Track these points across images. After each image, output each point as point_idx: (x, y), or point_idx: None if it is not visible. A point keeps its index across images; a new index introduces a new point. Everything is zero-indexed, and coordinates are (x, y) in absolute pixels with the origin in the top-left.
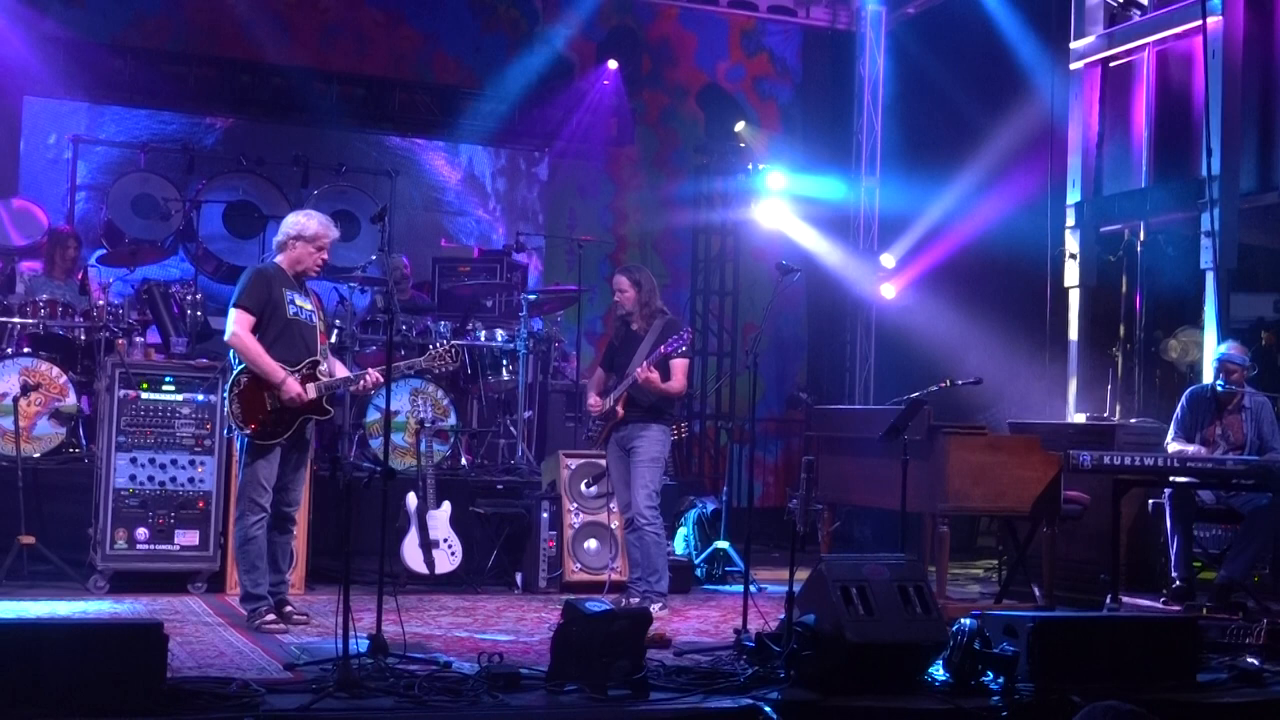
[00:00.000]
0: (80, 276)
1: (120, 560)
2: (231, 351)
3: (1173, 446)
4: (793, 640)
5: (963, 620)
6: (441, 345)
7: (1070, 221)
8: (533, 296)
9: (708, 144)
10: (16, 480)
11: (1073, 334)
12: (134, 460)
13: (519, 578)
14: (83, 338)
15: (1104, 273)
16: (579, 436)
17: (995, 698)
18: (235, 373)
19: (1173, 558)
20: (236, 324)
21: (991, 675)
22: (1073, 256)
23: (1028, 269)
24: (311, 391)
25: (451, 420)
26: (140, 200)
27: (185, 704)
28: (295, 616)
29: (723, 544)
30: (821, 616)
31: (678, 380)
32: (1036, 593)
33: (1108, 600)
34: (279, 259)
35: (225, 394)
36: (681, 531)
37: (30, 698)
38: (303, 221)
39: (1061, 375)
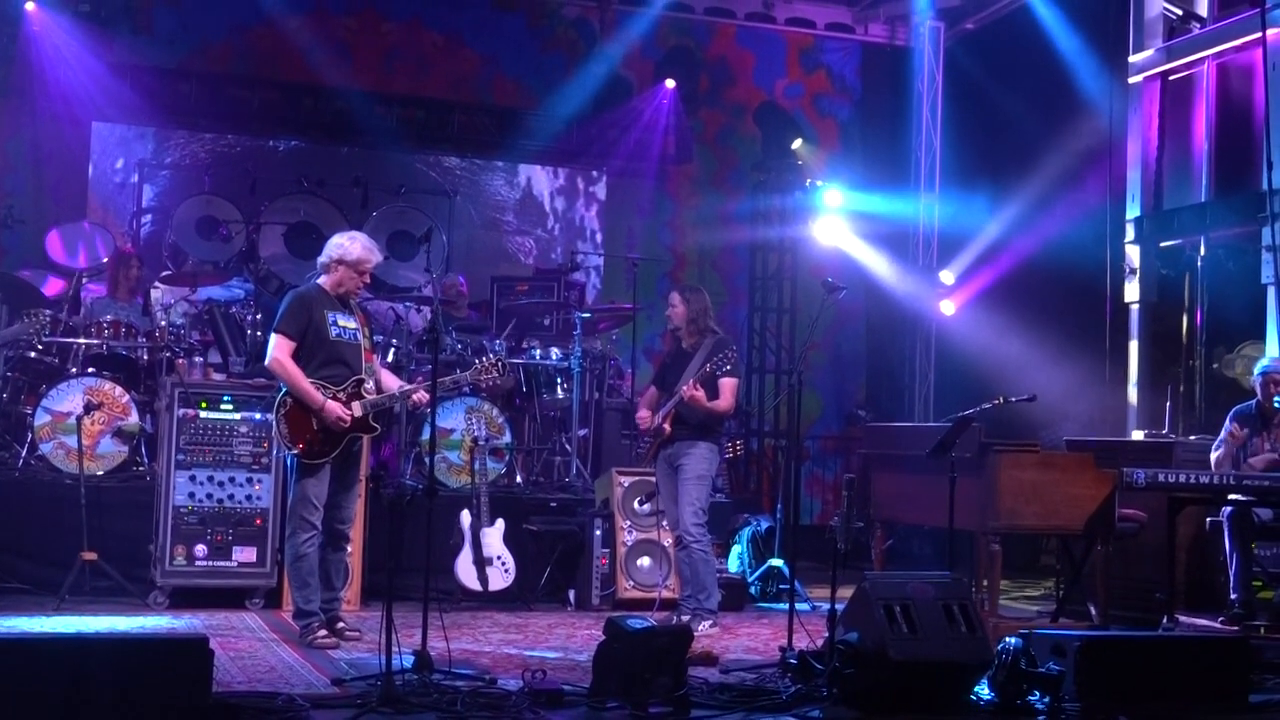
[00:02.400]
0: (143, 298)
1: (180, 576)
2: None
3: (1215, 455)
4: (835, 658)
5: (1008, 639)
6: (486, 360)
7: (1130, 236)
8: (587, 315)
9: (765, 162)
10: (80, 497)
11: (1132, 350)
12: (193, 478)
13: (572, 595)
14: (145, 358)
15: (1164, 288)
16: (633, 454)
17: (1041, 717)
18: (282, 393)
19: (1231, 577)
20: (276, 349)
21: (1038, 695)
22: (1132, 272)
23: (1087, 284)
24: (357, 410)
25: (506, 438)
26: (204, 222)
27: (230, 717)
28: (348, 633)
29: (777, 562)
30: (865, 634)
31: (725, 399)
32: (1092, 611)
33: (1164, 620)
34: (322, 280)
35: (274, 414)
36: (735, 549)
37: (79, 711)
38: (346, 245)
39: (1121, 392)
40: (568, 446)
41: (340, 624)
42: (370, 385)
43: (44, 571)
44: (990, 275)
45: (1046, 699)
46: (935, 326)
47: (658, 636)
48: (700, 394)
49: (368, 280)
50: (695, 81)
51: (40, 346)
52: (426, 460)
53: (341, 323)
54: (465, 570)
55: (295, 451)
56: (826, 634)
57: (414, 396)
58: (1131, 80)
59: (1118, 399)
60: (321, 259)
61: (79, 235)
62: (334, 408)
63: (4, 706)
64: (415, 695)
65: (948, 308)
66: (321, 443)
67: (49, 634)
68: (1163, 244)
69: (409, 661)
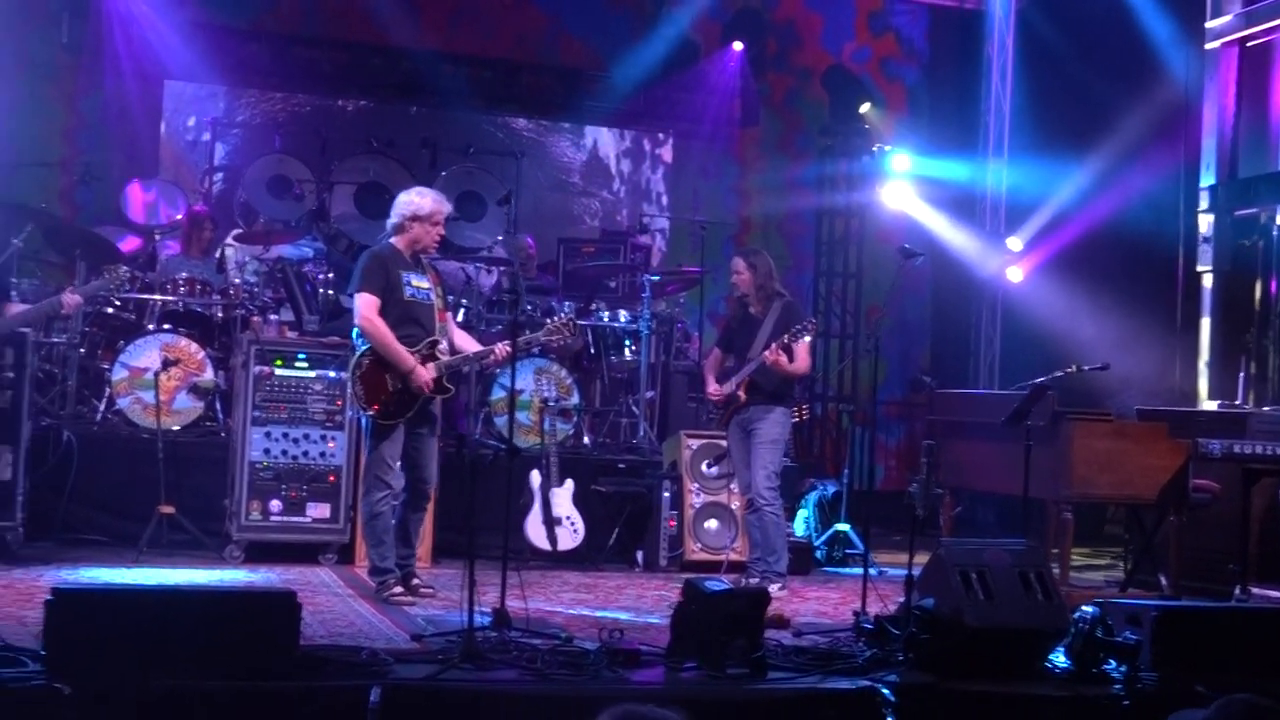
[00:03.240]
0: (218, 255)
1: (254, 531)
2: (355, 332)
3: None
4: (911, 623)
5: (1085, 608)
6: (558, 319)
7: (1204, 205)
8: (655, 278)
9: (832, 126)
10: (157, 452)
11: (1205, 319)
12: (268, 434)
13: (639, 556)
14: (220, 315)
15: (1238, 257)
16: (700, 417)
17: (1117, 686)
18: (359, 354)
19: None
20: (365, 308)
21: (1114, 664)
22: (1206, 240)
23: (1159, 253)
24: (431, 371)
25: (575, 399)
26: (275, 181)
27: (317, 670)
28: (422, 590)
29: (843, 526)
30: (941, 600)
31: (802, 360)
32: (1163, 582)
33: (1236, 591)
34: (394, 240)
35: (349, 374)
36: (802, 513)
37: (170, 661)
38: (417, 201)
39: (1193, 362)
40: (635, 409)
41: (415, 580)
42: (444, 346)
43: (121, 524)
44: (1059, 242)
45: (1123, 668)
46: (1002, 293)
47: (735, 599)
48: (783, 358)
49: (442, 233)
50: (763, 44)
51: (118, 302)
52: (496, 421)
53: (415, 283)
54: (535, 530)
55: (370, 413)
56: (901, 599)
57: (495, 353)
58: (1208, 46)
59: (1188, 369)
60: (393, 219)
61: (154, 192)
62: (422, 373)
63: (96, 656)
64: (495, 652)
65: (1015, 274)
66: (396, 404)
67: (140, 585)
68: (1238, 212)
69: (486, 619)
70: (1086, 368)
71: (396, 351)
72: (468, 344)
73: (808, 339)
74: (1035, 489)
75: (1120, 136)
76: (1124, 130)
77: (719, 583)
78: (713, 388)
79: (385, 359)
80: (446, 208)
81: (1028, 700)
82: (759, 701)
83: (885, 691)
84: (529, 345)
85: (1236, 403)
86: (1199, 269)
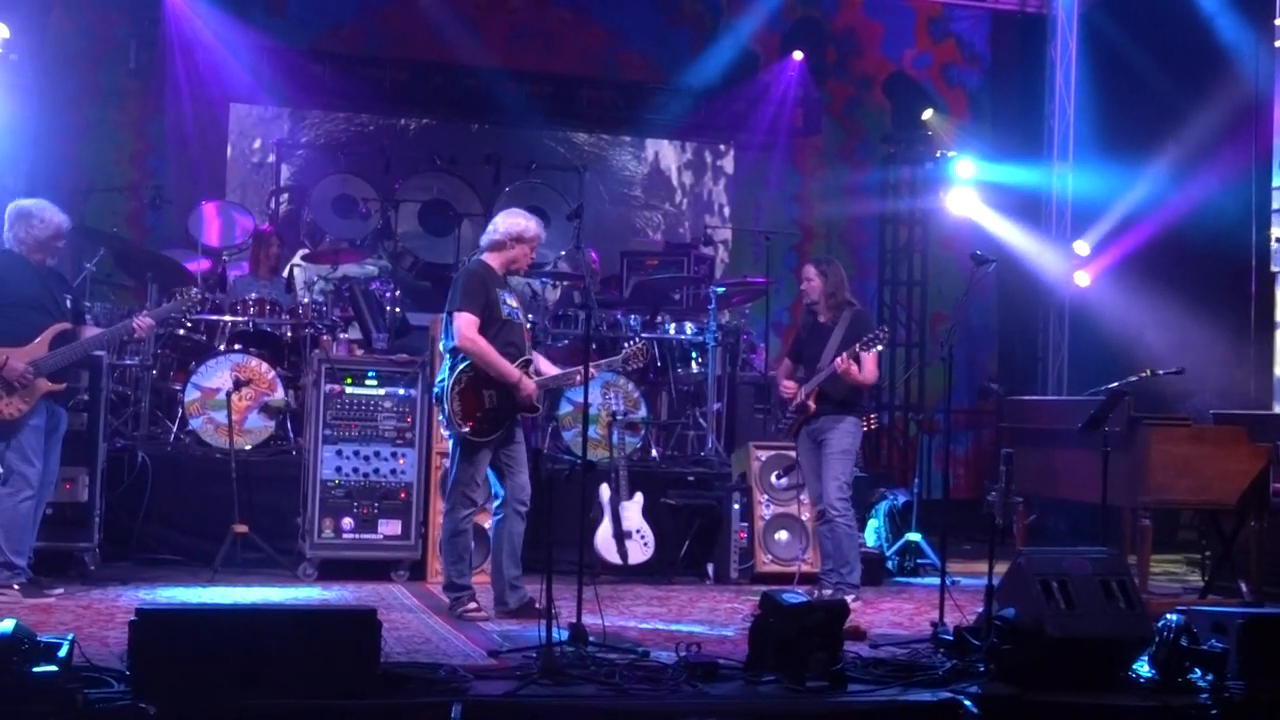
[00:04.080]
0: (286, 275)
1: (327, 549)
2: (449, 349)
3: None
4: (992, 634)
5: (1169, 616)
6: (635, 344)
7: (1276, 204)
8: (721, 290)
9: (894, 133)
10: (230, 471)
11: (1279, 322)
12: (339, 452)
13: (710, 568)
14: (289, 334)
15: None
16: (768, 428)
17: (1204, 695)
18: (458, 371)
19: None
20: (466, 327)
21: (1200, 673)
22: (1278, 242)
23: (1229, 254)
24: (534, 385)
25: (642, 412)
26: (340, 201)
27: (398, 688)
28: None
29: (914, 536)
30: (1021, 610)
31: (870, 370)
32: (1243, 588)
33: None
34: (489, 258)
35: (446, 390)
36: (872, 523)
37: (254, 680)
38: (523, 224)
39: (1267, 364)
40: (702, 421)
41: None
42: (534, 366)
43: (196, 543)
44: (1127, 245)
45: (1210, 677)
46: (1069, 298)
47: (814, 611)
48: (853, 367)
49: (534, 256)
50: (823, 53)
51: (189, 324)
52: (565, 435)
53: (509, 301)
54: (605, 544)
55: (465, 430)
56: (980, 609)
57: (575, 378)
58: (1278, 44)
59: (1262, 372)
60: (494, 237)
61: (222, 214)
62: (528, 383)
63: (184, 675)
64: (573, 667)
65: (1082, 279)
66: (490, 421)
67: (223, 605)
68: None
69: (564, 634)
70: (1161, 372)
71: (503, 367)
72: (543, 364)
73: (879, 349)
74: (1112, 495)
75: (1188, 138)
76: (1192, 132)
77: (796, 595)
78: (786, 383)
79: (484, 376)
80: (544, 233)
81: (1113, 711)
82: (840, 714)
83: (967, 703)
84: (608, 368)
85: None
86: (1272, 269)
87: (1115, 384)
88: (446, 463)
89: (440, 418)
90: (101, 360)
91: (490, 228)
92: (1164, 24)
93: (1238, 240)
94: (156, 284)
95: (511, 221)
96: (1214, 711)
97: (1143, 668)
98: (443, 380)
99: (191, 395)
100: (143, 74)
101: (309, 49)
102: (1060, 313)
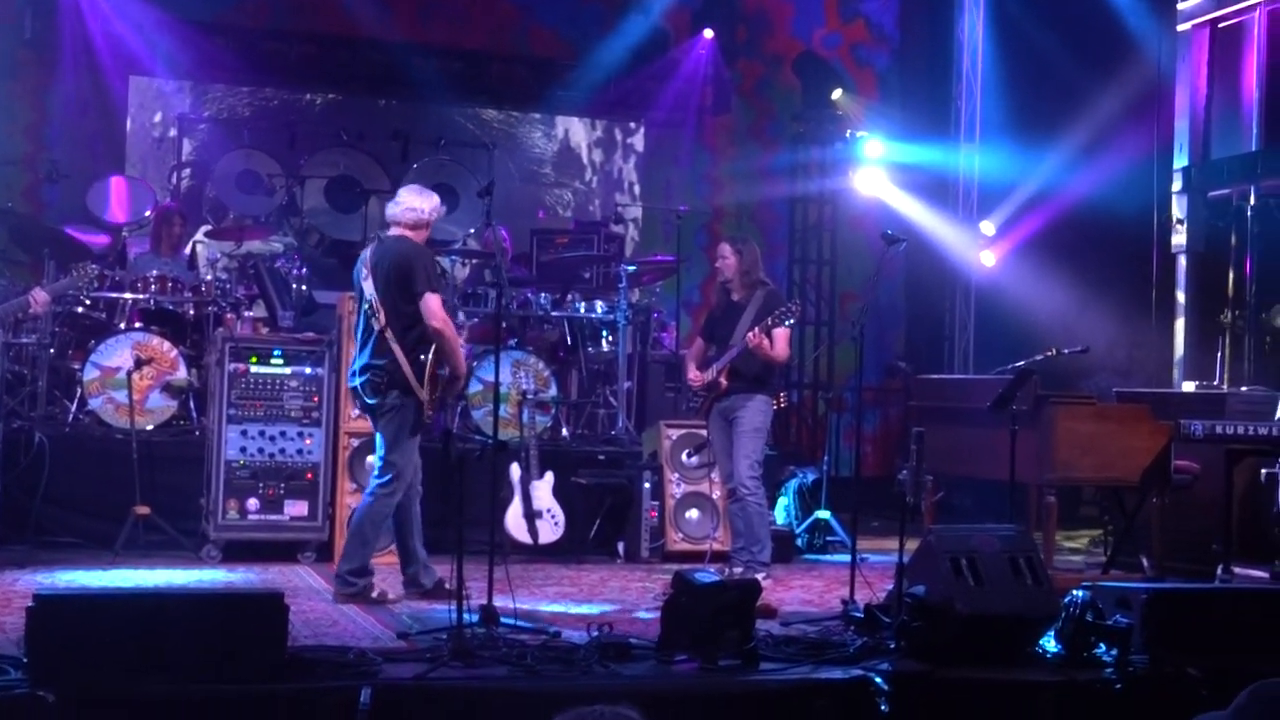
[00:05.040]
0: (189, 252)
1: (232, 530)
2: (406, 330)
3: None
4: (902, 611)
5: (1075, 591)
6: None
7: (1177, 186)
8: (632, 268)
9: (804, 112)
10: (131, 452)
11: (1180, 301)
12: (244, 432)
13: (621, 547)
14: (191, 313)
15: (1212, 238)
16: (679, 406)
17: (1109, 670)
18: (432, 350)
19: None
20: (440, 308)
21: (1104, 647)
22: (1180, 222)
23: (1133, 235)
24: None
25: (553, 391)
26: (244, 176)
27: (307, 672)
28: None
29: (824, 514)
30: (931, 588)
31: (781, 347)
32: (1145, 564)
33: (1219, 571)
34: (416, 236)
35: (424, 369)
36: (782, 501)
37: (157, 666)
38: (435, 200)
39: (1168, 343)
40: (613, 400)
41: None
42: None
43: (96, 525)
44: (1032, 225)
45: (1114, 652)
46: (975, 278)
47: (727, 591)
48: (765, 342)
49: None
50: (733, 31)
51: (88, 301)
52: (474, 414)
53: None
54: (515, 523)
55: (429, 412)
56: (890, 587)
57: None
58: (1180, 28)
59: (1163, 351)
60: (421, 216)
61: (122, 189)
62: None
63: (82, 661)
64: (484, 649)
65: (989, 258)
66: (437, 403)
67: (124, 589)
68: (1211, 194)
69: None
70: (1066, 351)
71: (459, 352)
72: None
73: (790, 324)
74: (1018, 473)
75: (1093, 119)
76: (1097, 113)
77: (709, 574)
78: (694, 373)
79: (444, 356)
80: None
81: (1021, 686)
82: (753, 693)
83: (878, 680)
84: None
85: (1214, 383)
86: (1173, 251)
87: (1022, 363)
88: (355, 442)
89: (388, 398)
90: None
91: (406, 206)
92: (1070, 7)
93: (1140, 221)
94: (54, 260)
95: (421, 200)
96: (1118, 685)
97: (1049, 643)
98: (422, 360)
99: (91, 374)
100: (38, 44)
101: (212, 21)
102: (966, 292)
